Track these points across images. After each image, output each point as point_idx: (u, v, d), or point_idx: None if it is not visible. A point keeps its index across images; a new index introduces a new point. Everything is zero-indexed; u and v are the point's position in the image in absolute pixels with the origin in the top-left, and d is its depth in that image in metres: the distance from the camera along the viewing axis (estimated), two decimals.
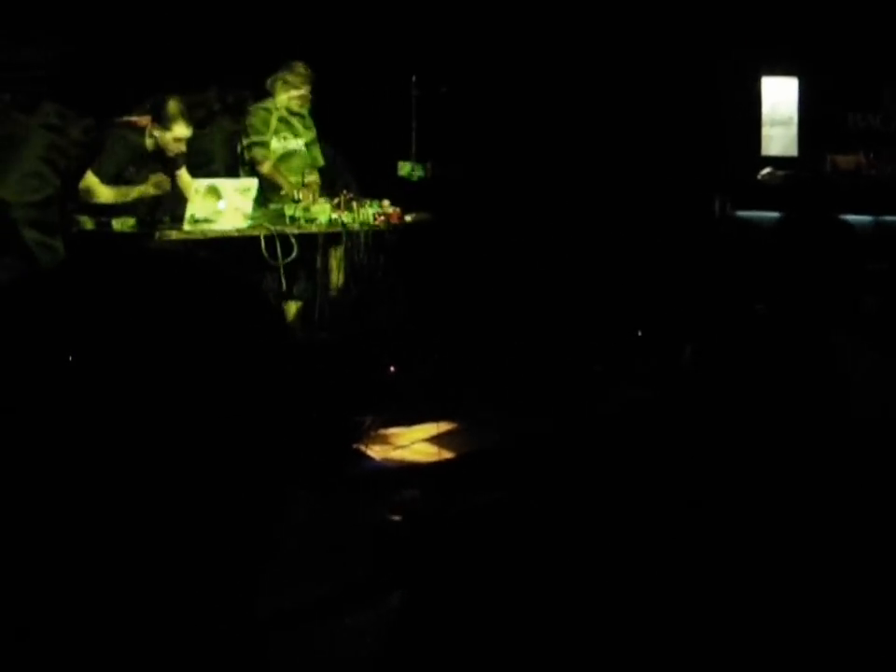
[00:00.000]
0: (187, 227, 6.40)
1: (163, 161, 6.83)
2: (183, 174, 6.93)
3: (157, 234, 6.35)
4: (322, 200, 7.14)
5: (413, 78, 7.91)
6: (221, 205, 6.50)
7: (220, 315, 0.96)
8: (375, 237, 7.16)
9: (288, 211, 6.87)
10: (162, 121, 6.67)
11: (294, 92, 7.26)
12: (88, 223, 6.49)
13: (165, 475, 0.90)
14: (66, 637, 0.89)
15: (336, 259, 7.14)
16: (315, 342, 6.66)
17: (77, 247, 6.47)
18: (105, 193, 6.66)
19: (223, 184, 6.66)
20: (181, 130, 6.69)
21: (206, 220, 6.46)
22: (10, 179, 6.23)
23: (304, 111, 7.39)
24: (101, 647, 0.89)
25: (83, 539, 0.89)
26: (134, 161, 6.75)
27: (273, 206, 7.10)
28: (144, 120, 6.74)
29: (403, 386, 6.54)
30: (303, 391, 0.99)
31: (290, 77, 7.24)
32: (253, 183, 6.75)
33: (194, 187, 6.50)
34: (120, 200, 6.66)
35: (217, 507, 0.93)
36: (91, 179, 6.62)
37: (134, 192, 6.69)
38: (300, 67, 7.25)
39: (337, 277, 7.16)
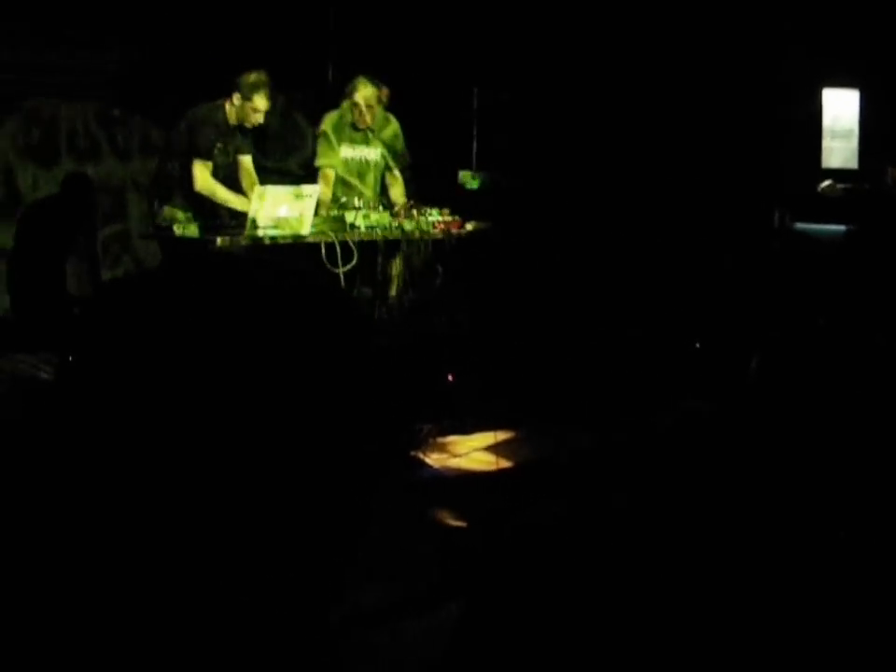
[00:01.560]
0: (248, 232, 6.40)
1: (243, 133, 6.98)
2: (246, 160, 7.04)
3: (219, 240, 6.37)
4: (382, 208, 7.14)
5: (475, 88, 7.95)
6: (283, 212, 6.49)
7: (316, 322, 0.98)
8: (434, 245, 7.15)
9: (349, 218, 6.86)
10: (244, 91, 6.78)
11: (356, 111, 7.27)
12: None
13: (269, 467, 0.91)
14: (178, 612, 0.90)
15: (395, 266, 7.15)
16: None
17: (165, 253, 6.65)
18: (213, 186, 6.79)
19: (286, 190, 6.66)
20: (261, 101, 6.80)
21: (268, 226, 6.45)
22: None
23: (372, 125, 7.38)
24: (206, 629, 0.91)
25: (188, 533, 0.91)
26: (220, 137, 6.87)
27: (333, 213, 7.09)
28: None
29: (461, 394, 6.49)
30: (390, 394, 1.00)
31: (356, 96, 7.25)
32: (315, 190, 6.73)
33: (256, 192, 6.51)
34: (214, 197, 6.81)
35: (313, 500, 0.94)
36: (198, 165, 6.77)
37: (234, 201, 6.81)
38: (365, 88, 7.23)
39: (396, 284, 7.16)
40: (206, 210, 6.89)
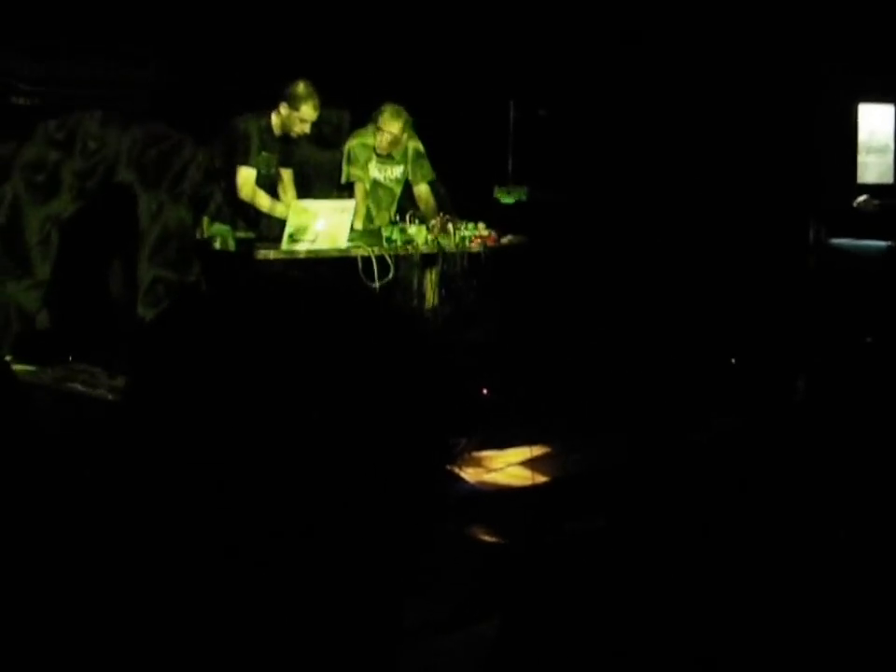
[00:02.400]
0: (285, 246, 6.42)
1: (287, 143, 7.01)
2: (287, 173, 7.08)
3: (256, 253, 6.38)
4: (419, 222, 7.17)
5: (511, 102, 7.92)
6: (320, 226, 6.51)
7: (381, 339, 1.00)
8: (471, 259, 7.16)
9: (386, 232, 6.89)
10: (290, 101, 6.83)
11: (381, 138, 7.32)
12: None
13: (334, 482, 0.92)
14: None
15: (431, 280, 7.16)
16: None
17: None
18: (256, 193, 6.81)
19: (322, 205, 6.71)
20: (308, 111, 6.84)
21: (305, 240, 6.48)
22: None
23: (394, 154, 7.46)
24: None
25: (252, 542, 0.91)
26: (264, 146, 6.91)
27: (369, 227, 7.15)
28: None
29: (496, 409, 6.48)
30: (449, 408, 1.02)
31: (382, 125, 7.31)
32: (351, 204, 6.79)
33: (293, 206, 6.54)
34: (258, 204, 6.83)
35: (378, 510, 0.95)
36: (242, 172, 6.81)
37: (277, 209, 6.82)
38: (391, 121, 7.28)
39: (432, 298, 7.17)
40: (250, 220, 6.92)
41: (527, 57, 8.14)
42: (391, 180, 7.53)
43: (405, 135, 7.39)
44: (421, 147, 7.57)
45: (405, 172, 7.55)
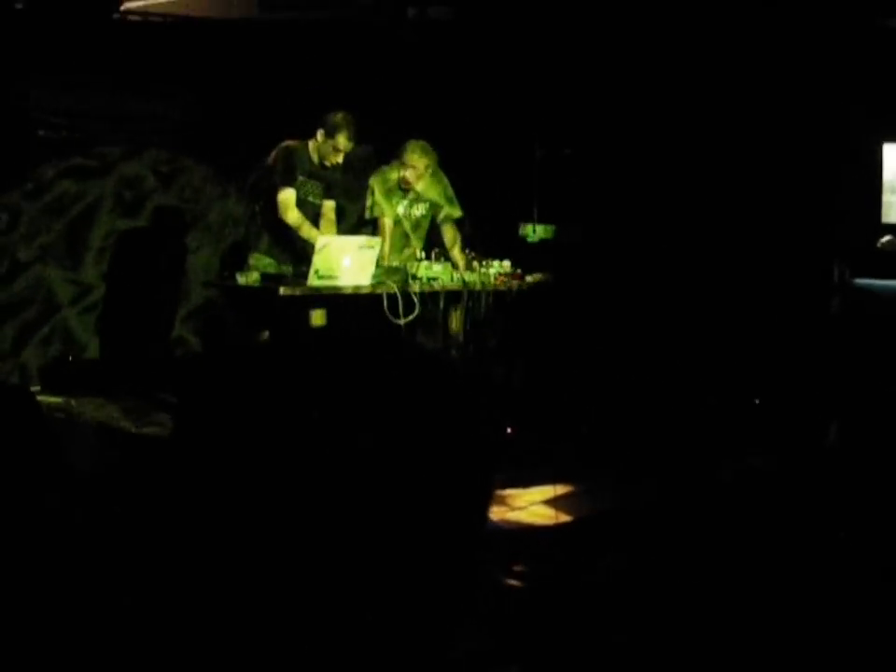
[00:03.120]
0: (311, 283, 6.42)
1: (323, 174, 7.02)
2: (329, 205, 7.11)
3: (281, 289, 6.37)
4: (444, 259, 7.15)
5: (536, 141, 7.89)
6: (346, 262, 6.51)
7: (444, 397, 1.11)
8: (496, 297, 7.14)
9: (411, 270, 6.89)
10: (327, 128, 6.88)
11: (406, 174, 7.32)
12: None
13: (393, 524, 1.01)
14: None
15: (456, 318, 7.16)
16: None
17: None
18: (293, 213, 6.84)
19: (348, 241, 6.71)
20: (343, 141, 6.86)
21: (330, 276, 6.48)
22: None
23: (417, 187, 7.45)
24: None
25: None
26: (303, 171, 6.95)
27: (394, 264, 7.13)
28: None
29: (520, 447, 6.46)
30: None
31: (407, 161, 7.30)
32: (376, 241, 6.77)
33: (320, 242, 6.52)
34: (296, 226, 6.85)
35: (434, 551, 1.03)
36: (283, 193, 6.83)
37: (308, 232, 6.82)
38: (416, 157, 7.27)
39: (457, 335, 7.16)
40: (296, 250, 6.94)
41: (552, 97, 8.16)
42: (416, 217, 7.52)
43: (430, 172, 7.38)
44: (447, 184, 7.57)
45: (430, 209, 7.54)
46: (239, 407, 0.99)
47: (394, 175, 7.36)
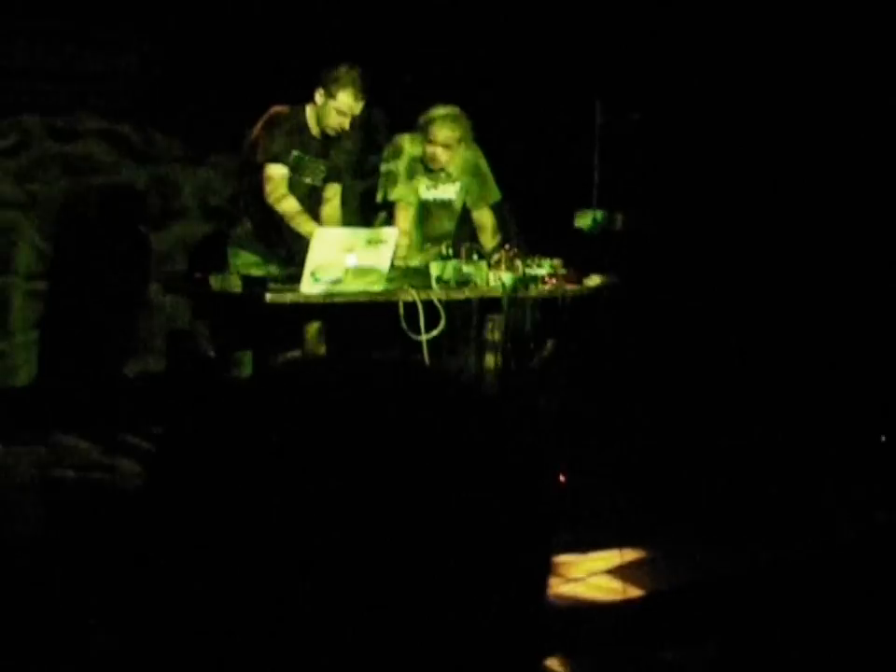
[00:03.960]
0: (305, 288, 6.37)
1: (325, 147, 7.03)
2: (334, 189, 7.17)
3: (267, 296, 6.35)
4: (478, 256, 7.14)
5: (597, 102, 7.88)
6: (351, 261, 6.45)
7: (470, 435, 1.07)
8: (543, 305, 7.14)
9: (435, 270, 6.86)
10: (326, 85, 6.85)
11: (432, 149, 7.31)
12: None
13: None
14: None
15: (493, 332, 7.16)
16: None
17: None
18: (284, 198, 6.85)
19: (354, 234, 6.64)
20: (348, 100, 6.84)
21: (331, 280, 6.44)
22: None
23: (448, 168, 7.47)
24: None
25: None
26: (298, 143, 6.94)
27: (414, 264, 7.11)
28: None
29: (576, 500, 6.38)
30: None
31: (432, 134, 7.29)
32: (391, 233, 6.71)
33: (317, 236, 6.46)
34: (288, 216, 6.85)
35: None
36: (269, 170, 6.84)
37: (303, 223, 6.81)
38: (443, 128, 7.26)
39: (494, 356, 7.17)
40: (287, 246, 6.98)
41: (618, 43, 8.13)
42: (445, 202, 7.57)
43: (463, 145, 7.36)
44: (483, 161, 7.57)
45: (462, 192, 7.58)
46: (226, 471, 1.03)
47: (416, 149, 7.37)
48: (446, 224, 7.62)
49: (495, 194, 7.62)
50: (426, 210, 7.52)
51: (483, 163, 7.59)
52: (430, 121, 7.26)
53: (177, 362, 8.42)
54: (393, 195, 7.42)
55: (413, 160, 7.40)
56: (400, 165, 7.41)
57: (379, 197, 7.49)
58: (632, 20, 8.25)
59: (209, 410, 1.08)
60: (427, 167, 7.41)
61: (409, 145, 7.42)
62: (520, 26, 8.28)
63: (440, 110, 7.28)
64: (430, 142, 7.28)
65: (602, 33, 8.22)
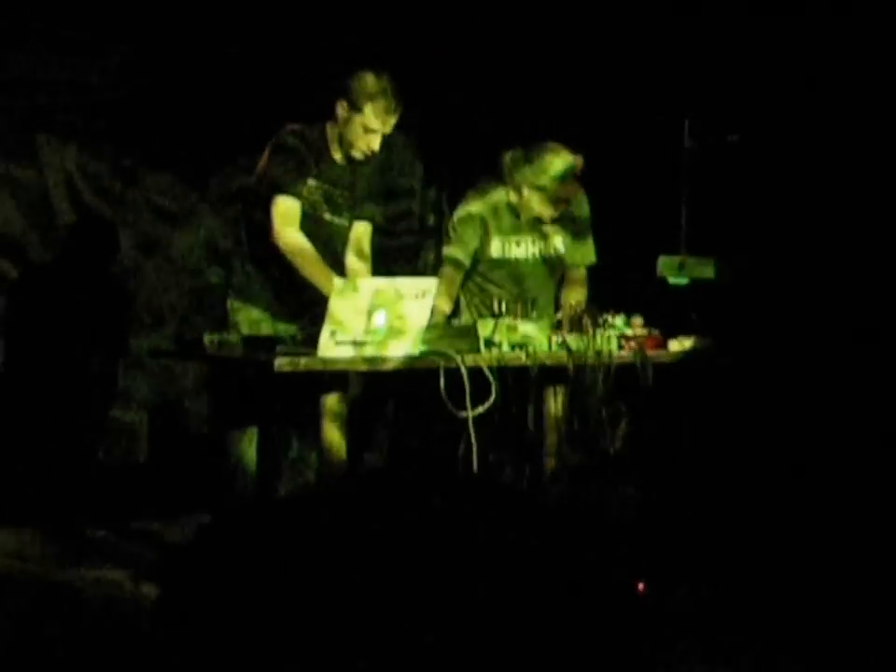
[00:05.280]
0: (324, 352, 6.29)
1: (352, 173, 7.05)
2: (363, 229, 7.18)
3: (276, 362, 6.24)
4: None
5: (686, 122, 7.90)
6: (380, 320, 6.38)
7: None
8: (620, 375, 7.07)
9: (484, 330, 6.78)
10: (351, 97, 6.83)
11: (533, 202, 7.38)
12: None
13: None
14: None
15: (556, 408, 7.17)
16: None
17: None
18: (295, 239, 6.85)
19: (386, 285, 6.53)
20: (376, 115, 6.85)
21: (356, 342, 6.37)
22: None
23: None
24: None
25: None
26: (313, 168, 6.94)
27: (456, 322, 7.10)
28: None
29: (661, 614, 6.27)
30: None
31: (544, 177, 7.34)
32: (432, 285, 6.66)
33: (338, 288, 6.37)
34: (300, 261, 6.81)
35: None
36: (279, 204, 6.83)
37: (317, 272, 6.78)
38: (550, 160, 7.34)
39: (555, 437, 7.16)
40: (301, 298, 6.93)
41: (711, 53, 8.15)
42: (531, 261, 7.65)
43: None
44: (585, 207, 7.63)
45: (561, 245, 7.67)
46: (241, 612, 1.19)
47: (504, 199, 7.50)
48: (524, 284, 7.66)
49: (591, 253, 7.74)
50: (498, 267, 7.61)
51: (588, 213, 7.72)
52: (544, 165, 7.34)
53: (163, 444, 8.40)
54: (449, 251, 7.55)
55: (507, 212, 7.52)
56: (494, 222, 7.53)
57: (454, 254, 7.56)
58: (730, 15, 8.27)
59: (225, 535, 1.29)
60: (537, 222, 7.51)
61: (501, 194, 7.54)
62: (589, 32, 8.46)
63: (555, 152, 7.36)
64: (540, 189, 7.35)
65: (690, 33, 8.30)
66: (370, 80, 6.83)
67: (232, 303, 7.07)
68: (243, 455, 6.83)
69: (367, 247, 7.20)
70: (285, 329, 6.94)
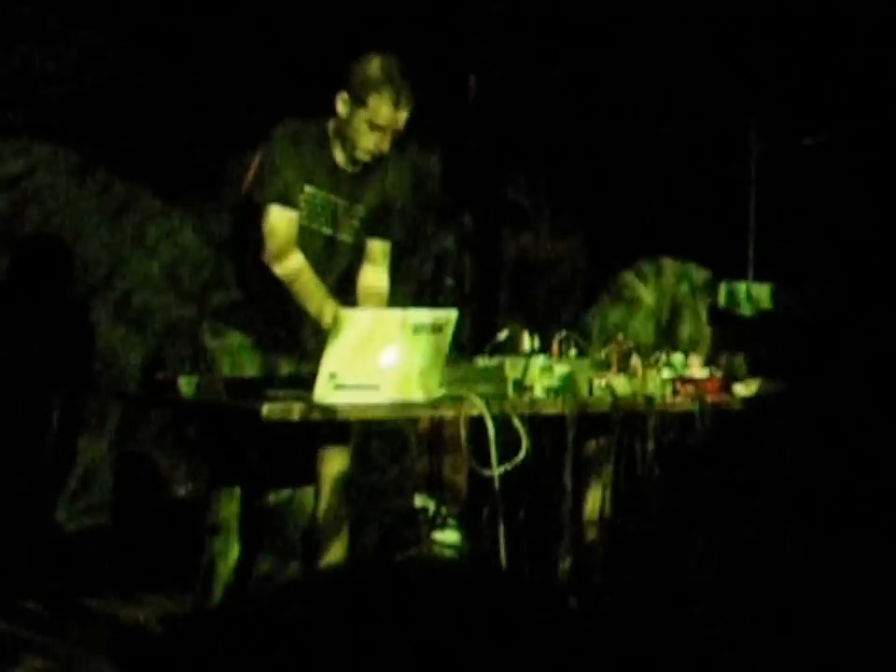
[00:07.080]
0: (322, 397, 5.75)
1: (362, 180, 6.67)
2: (380, 247, 6.75)
3: (265, 410, 5.68)
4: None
5: (752, 123, 7.68)
6: (387, 359, 5.85)
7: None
8: (674, 424, 6.81)
9: (513, 371, 6.37)
10: (354, 88, 6.41)
11: None
12: None
13: None
14: None
15: (598, 463, 6.98)
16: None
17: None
18: (290, 258, 6.45)
19: (396, 319, 6.05)
20: (386, 110, 6.40)
21: (359, 385, 5.86)
22: None
23: None
24: None
25: None
26: (313, 174, 6.53)
27: (484, 361, 6.61)
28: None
29: None
30: None
31: None
32: (451, 316, 6.14)
33: (339, 320, 5.82)
34: (298, 289, 6.45)
35: None
36: (272, 214, 6.45)
37: (316, 300, 6.37)
38: None
39: (599, 498, 6.94)
40: (295, 332, 6.61)
41: (781, 48, 7.83)
42: None
43: None
44: None
45: None
46: None
47: None
48: None
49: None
50: None
51: None
52: None
53: (132, 508, 8.10)
54: None
55: None
56: None
57: None
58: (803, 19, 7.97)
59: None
60: None
61: None
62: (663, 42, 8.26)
63: None
64: None
65: (760, 33, 7.99)
66: (374, 66, 6.36)
67: (209, 329, 6.67)
68: (224, 519, 6.37)
69: (384, 271, 6.78)
70: (275, 364, 6.56)
